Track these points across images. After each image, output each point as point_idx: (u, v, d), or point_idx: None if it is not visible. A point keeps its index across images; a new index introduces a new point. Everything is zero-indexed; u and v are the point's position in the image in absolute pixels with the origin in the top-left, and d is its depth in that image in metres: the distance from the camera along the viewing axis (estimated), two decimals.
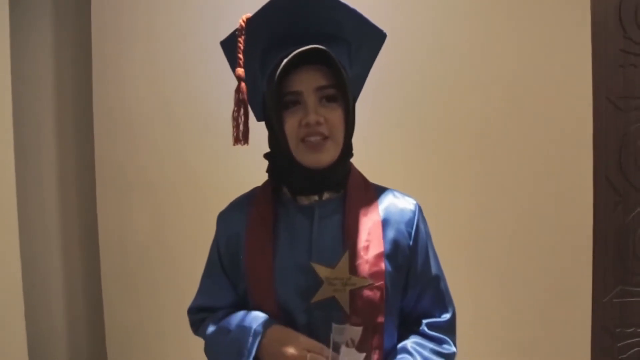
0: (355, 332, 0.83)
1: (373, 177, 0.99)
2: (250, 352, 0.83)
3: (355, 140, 0.94)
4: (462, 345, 1.68)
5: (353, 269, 0.86)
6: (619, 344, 1.86)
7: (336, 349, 0.83)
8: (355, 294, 0.85)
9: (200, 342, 0.97)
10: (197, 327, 1.01)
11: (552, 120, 1.72)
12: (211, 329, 0.94)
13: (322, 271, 0.86)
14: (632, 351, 1.86)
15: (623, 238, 1.83)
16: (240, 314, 0.91)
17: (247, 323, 0.87)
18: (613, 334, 1.85)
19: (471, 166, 1.74)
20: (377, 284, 0.86)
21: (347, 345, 0.83)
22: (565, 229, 1.74)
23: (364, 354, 0.83)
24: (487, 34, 1.72)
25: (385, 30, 0.94)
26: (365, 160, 1.04)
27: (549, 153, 1.73)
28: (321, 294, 0.85)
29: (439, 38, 1.73)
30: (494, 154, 1.75)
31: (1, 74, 1.32)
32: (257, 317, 0.87)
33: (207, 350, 0.97)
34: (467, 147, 1.74)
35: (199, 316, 1.01)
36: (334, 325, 0.83)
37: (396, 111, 1.73)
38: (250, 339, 0.84)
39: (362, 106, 1.19)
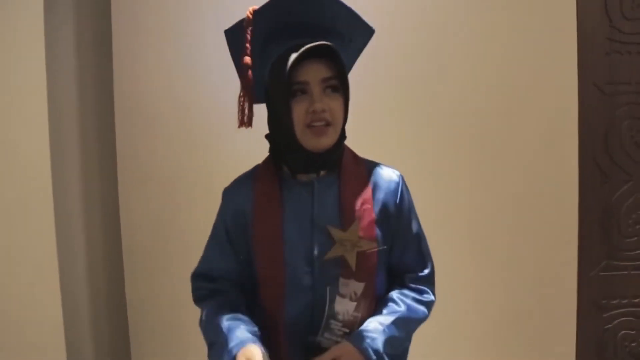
0: (358, 286, 0.99)
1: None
2: None
3: (356, 134, 1.06)
4: (456, 315, 1.83)
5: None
6: (604, 315, 1.98)
7: (332, 299, 0.98)
8: (360, 254, 0.99)
9: None
10: (197, 297, 1.11)
11: (539, 105, 1.83)
12: (211, 318, 1.02)
13: (336, 233, 0.99)
14: (616, 321, 1.99)
15: (609, 215, 1.95)
16: (232, 323, 0.97)
17: (229, 339, 0.94)
18: (599, 305, 1.97)
19: (462, 149, 1.85)
20: (375, 247, 1.00)
21: (350, 298, 0.99)
22: (552, 208, 1.86)
23: (355, 303, 0.98)
24: (476, 26, 1.82)
25: (381, 29, 1.07)
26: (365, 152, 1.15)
27: (536, 136, 1.85)
28: (333, 253, 0.98)
29: (429, 30, 1.82)
30: (485, 138, 1.86)
31: (37, 77, 1.48)
32: (237, 337, 0.94)
33: (204, 332, 1.05)
34: (458, 132, 1.85)
35: (200, 284, 1.10)
36: (341, 280, 0.98)
37: (391, 100, 1.85)
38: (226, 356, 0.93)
39: (362, 101, 1.33)
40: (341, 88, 0.99)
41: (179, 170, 1.83)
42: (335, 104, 0.98)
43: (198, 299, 1.10)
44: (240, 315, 1.00)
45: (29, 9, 1.48)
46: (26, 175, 1.53)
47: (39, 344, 1.55)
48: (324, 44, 0.94)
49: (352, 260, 0.99)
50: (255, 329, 0.98)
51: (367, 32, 1.07)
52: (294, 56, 0.93)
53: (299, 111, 0.97)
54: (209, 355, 1.03)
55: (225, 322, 0.98)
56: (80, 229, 1.73)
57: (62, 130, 1.62)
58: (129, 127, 1.84)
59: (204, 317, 1.05)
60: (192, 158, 1.83)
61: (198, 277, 1.12)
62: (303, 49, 0.93)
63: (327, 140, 0.99)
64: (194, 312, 1.10)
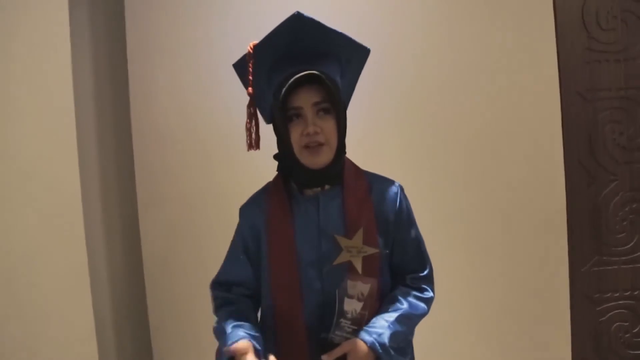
0: (365, 287, 1.09)
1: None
2: None
3: (354, 143, 1.18)
4: (455, 311, 1.94)
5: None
6: (597, 308, 2.09)
7: (341, 300, 1.09)
8: (365, 259, 1.10)
9: None
10: (215, 307, 1.22)
11: (525, 113, 1.96)
12: (217, 326, 1.15)
13: (342, 241, 1.10)
14: (610, 314, 2.10)
15: (597, 214, 2.07)
16: (233, 329, 1.09)
17: (227, 340, 1.06)
18: (592, 299, 2.09)
19: (456, 157, 1.98)
20: (378, 252, 1.11)
21: (358, 298, 1.10)
22: (542, 209, 1.97)
23: (361, 303, 1.09)
24: (463, 42, 1.96)
25: (377, 42, 1.19)
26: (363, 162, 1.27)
27: (524, 142, 1.97)
28: (341, 259, 1.10)
29: (417, 46, 1.96)
30: (477, 145, 1.98)
31: (64, 89, 1.62)
32: (233, 337, 1.06)
33: (215, 336, 1.17)
34: (451, 140, 1.97)
35: (217, 293, 1.22)
36: (349, 282, 1.09)
37: (389, 111, 1.98)
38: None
39: (360, 112, 1.46)
40: (333, 110, 1.09)
41: (194, 187, 1.97)
42: (328, 125, 1.08)
43: (215, 308, 1.22)
44: (243, 323, 1.11)
45: (55, 34, 1.63)
46: (57, 188, 1.66)
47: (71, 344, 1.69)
48: (312, 73, 1.05)
49: (358, 265, 1.10)
50: (256, 333, 1.09)
51: (362, 52, 1.17)
52: (286, 87, 1.04)
53: (295, 134, 1.08)
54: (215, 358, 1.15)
55: (229, 328, 1.10)
56: (103, 243, 1.87)
57: (89, 152, 1.77)
58: (145, 146, 1.97)
59: (215, 325, 1.17)
60: (207, 175, 1.97)
61: (216, 285, 1.24)
62: (292, 79, 1.04)
63: (322, 159, 1.09)
64: (208, 315, 1.23)
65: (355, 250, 1.10)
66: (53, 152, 1.65)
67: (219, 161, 1.96)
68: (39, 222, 1.65)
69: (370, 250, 1.11)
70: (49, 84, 1.64)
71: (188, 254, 1.97)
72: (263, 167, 1.28)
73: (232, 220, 1.25)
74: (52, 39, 1.63)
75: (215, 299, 1.24)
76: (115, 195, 1.99)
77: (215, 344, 1.15)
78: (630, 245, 2.08)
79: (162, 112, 1.97)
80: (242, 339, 1.05)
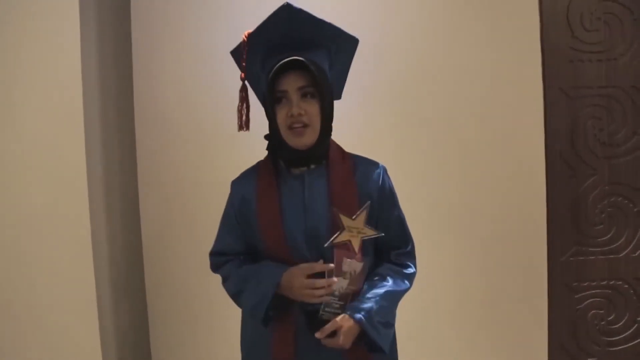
0: (358, 265, 1.15)
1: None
2: (270, 296, 1.15)
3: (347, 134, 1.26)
4: (437, 298, 2.04)
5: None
6: (576, 296, 2.19)
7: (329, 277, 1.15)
8: (363, 240, 1.15)
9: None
10: (215, 266, 1.32)
11: (509, 108, 2.06)
12: (234, 273, 1.25)
13: (346, 221, 1.13)
14: (587, 301, 2.19)
15: (576, 206, 2.16)
16: (258, 266, 1.21)
17: (265, 274, 1.17)
18: (571, 288, 2.18)
19: (443, 150, 2.07)
20: (377, 234, 1.17)
21: (350, 275, 1.14)
22: (523, 201, 2.08)
23: (347, 280, 1.14)
24: (449, 39, 2.05)
25: (373, 42, 1.27)
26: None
27: (506, 136, 2.07)
28: (341, 237, 1.13)
29: (403, 43, 2.05)
30: (463, 138, 2.07)
31: (74, 87, 1.73)
32: (272, 270, 1.17)
33: (229, 287, 1.27)
34: (439, 135, 2.07)
35: (219, 259, 1.31)
36: (346, 260, 1.13)
37: (379, 104, 2.08)
38: (271, 287, 1.16)
39: (355, 106, 1.56)
40: (317, 94, 1.16)
41: (191, 170, 2.07)
42: (312, 108, 1.16)
43: (216, 267, 1.32)
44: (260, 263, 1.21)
45: (65, 31, 1.73)
46: (64, 178, 1.78)
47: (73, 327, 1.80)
48: (296, 59, 1.13)
49: (356, 245, 1.14)
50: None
51: (351, 41, 1.25)
52: (273, 70, 1.13)
53: (281, 115, 1.17)
54: (239, 303, 1.24)
55: (252, 268, 1.21)
56: (105, 222, 1.97)
57: (94, 136, 1.87)
58: (147, 132, 2.08)
59: (225, 275, 1.27)
60: (203, 158, 2.07)
61: (214, 254, 1.33)
62: (278, 64, 1.12)
63: (306, 139, 1.17)
64: (203, 289, 1.31)
65: (356, 230, 1.15)
66: (61, 137, 1.77)
67: (215, 145, 2.06)
68: (45, 201, 1.78)
69: (370, 233, 1.16)
70: (59, 75, 1.76)
71: (184, 232, 2.08)
72: (258, 152, 1.34)
73: (226, 201, 1.33)
74: (61, 28, 1.73)
75: (215, 262, 1.32)
76: (117, 177, 2.09)
77: (208, 306, 1.24)
78: (608, 236, 2.18)
79: (162, 98, 2.07)
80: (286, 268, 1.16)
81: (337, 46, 1.24)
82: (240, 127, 1.26)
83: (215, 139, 2.05)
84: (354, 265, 1.14)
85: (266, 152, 1.30)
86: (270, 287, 1.16)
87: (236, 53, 1.26)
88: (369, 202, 1.17)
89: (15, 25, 1.73)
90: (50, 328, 1.79)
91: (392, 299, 1.21)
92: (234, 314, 1.35)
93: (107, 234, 1.96)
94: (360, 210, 1.15)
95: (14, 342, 1.79)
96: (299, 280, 1.14)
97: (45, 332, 1.79)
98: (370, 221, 1.19)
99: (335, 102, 1.27)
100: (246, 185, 1.28)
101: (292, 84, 1.15)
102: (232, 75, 1.38)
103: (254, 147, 1.36)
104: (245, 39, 1.20)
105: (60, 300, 1.79)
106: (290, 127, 1.16)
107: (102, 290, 1.86)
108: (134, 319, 2.13)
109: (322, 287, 1.13)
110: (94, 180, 1.85)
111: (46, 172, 1.77)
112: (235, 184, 1.32)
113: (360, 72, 1.46)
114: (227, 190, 1.33)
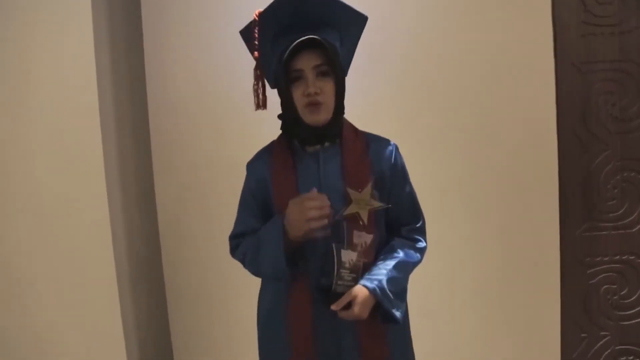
0: (368, 237, 1.20)
1: None
2: (280, 240, 1.16)
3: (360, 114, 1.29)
4: (451, 274, 2.06)
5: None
6: (588, 271, 2.20)
7: (338, 252, 1.17)
8: (371, 212, 1.20)
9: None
10: (233, 248, 1.34)
11: (521, 83, 2.05)
12: (248, 246, 1.27)
13: (353, 194, 1.19)
14: (599, 276, 2.20)
15: (589, 182, 2.16)
16: (262, 227, 1.24)
17: (268, 226, 1.20)
18: (583, 263, 2.19)
19: (456, 128, 2.08)
20: (383, 206, 1.21)
21: (360, 247, 1.19)
22: (535, 177, 2.08)
23: (356, 252, 1.18)
24: (459, 14, 2.05)
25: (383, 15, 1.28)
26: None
27: (519, 112, 2.06)
28: (350, 210, 1.19)
29: (418, 23, 2.05)
30: (475, 116, 2.08)
31: (89, 84, 1.77)
32: (272, 221, 1.21)
33: (250, 263, 1.27)
34: (451, 112, 2.07)
35: (236, 242, 1.33)
36: (356, 232, 1.17)
37: (386, 76, 2.08)
38: (277, 230, 1.17)
39: (365, 81, 1.56)
40: (332, 72, 1.18)
41: (205, 153, 2.10)
42: (327, 86, 1.18)
43: (233, 249, 1.34)
44: None
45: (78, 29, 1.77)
46: (81, 167, 1.83)
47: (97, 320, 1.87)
48: (312, 38, 1.14)
49: (365, 217, 1.19)
50: None
51: (360, 19, 1.26)
52: (289, 50, 1.13)
53: (297, 94, 1.18)
54: (262, 269, 1.23)
55: (257, 233, 1.24)
56: (121, 207, 2.02)
57: (109, 123, 1.91)
58: (160, 117, 2.11)
59: (242, 250, 1.29)
60: (217, 142, 2.10)
61: (234, 237, 1.35)
62: (294, 43, 1.13)
63: (321, 117, 1.19)
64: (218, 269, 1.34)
65: (363, 202, 1.19)
66: (78, 124, 1.83)
67: (229, 129, 2.08)
68: (63, 190, 1.84)
69: (377, 204, 1.20)
70: (73, 62, 1.80)
71: (200, 215, 2.12)
72: (272, 133, 1.36)
73: (241, 184, 1.36)
74: (74, 12, 1.75)
75: (234, 245, 1.34)
76: (132, 163, 2.13)
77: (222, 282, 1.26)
78: (621, 211, 2.17)
79: (175, 83, 2.10)
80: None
81: (347, 24, 1.25)
82: (258, 106, 1.27)
83: (228, 122, 2.08)
84: (364, 237, 1.19)
85: (279, 132, 1.32)
86: (276, 232, 1.17)
87: (246, 33, 1.26)
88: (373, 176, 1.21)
89: (29, 10, 1.76)
90: (73, 313, 1.86)
91: (404, 270, 1.24)
92: (250, 292, 1.38)
93: (124, 220, 2.01)
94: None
95: (37, 331, 1.86)
96: (294, 212, 1.15)
97: (69, 317, 1.86)
98: (383, 197, 1.23)
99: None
100: (261, 165, 1.30)
101: (307, 62, 1.16)
102: (244, 57, 1.39)
103: (268, 129, 1.37)
104: (257, 17, 1.21)
105: (81, 280, 1.85)
106: (306, 105, 1.18)
107: (121, 274, 1.92)
108: (152, 301, 2.19)
109: (316, 207, 1.13)
110: (110, 169, 1.89)
111: (64, 160, 1.82)
112: (250, 165, 1.34)
113: (369, 44, 1.45)
114: (242, 173, 1.35)
